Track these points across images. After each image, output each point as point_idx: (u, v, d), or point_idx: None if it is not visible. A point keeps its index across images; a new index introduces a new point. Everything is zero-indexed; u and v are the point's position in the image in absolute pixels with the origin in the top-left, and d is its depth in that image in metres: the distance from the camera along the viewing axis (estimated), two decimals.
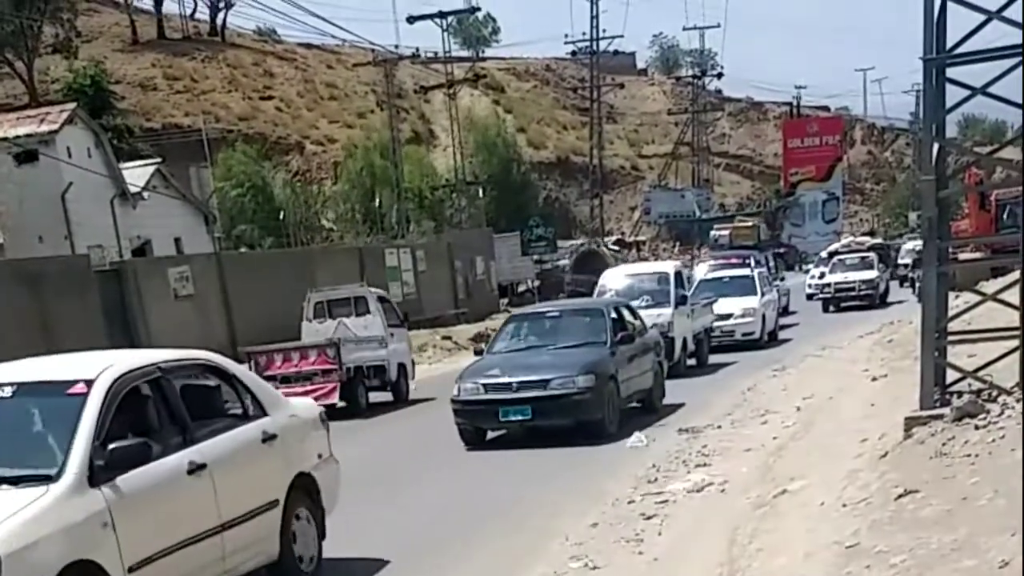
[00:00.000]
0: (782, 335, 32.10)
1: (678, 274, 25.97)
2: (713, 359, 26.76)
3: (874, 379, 17.91)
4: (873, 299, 40.54)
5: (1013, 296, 11.60)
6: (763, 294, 30.75)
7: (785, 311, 38.34)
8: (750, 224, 54.01)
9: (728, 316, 29.18)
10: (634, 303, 22.15)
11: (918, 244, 52.01)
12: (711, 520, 11.03)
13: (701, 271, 36.84)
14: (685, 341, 24.65)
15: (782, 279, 42.11)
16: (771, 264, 41.96)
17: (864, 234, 56.44)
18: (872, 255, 43.31)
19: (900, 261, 51.28)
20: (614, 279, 26.35)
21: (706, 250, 64.02)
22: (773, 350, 28.50)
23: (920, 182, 12.16)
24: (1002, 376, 11.46)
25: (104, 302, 27.89)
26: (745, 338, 29.24)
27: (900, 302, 38.88)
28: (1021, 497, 4.36)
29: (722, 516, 11.05)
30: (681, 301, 24.65)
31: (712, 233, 57.84)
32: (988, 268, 24.55)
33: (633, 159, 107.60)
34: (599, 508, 11.98)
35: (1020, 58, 10.99)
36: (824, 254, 48.07)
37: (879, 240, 49.55)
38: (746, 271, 33.59)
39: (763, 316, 30.12)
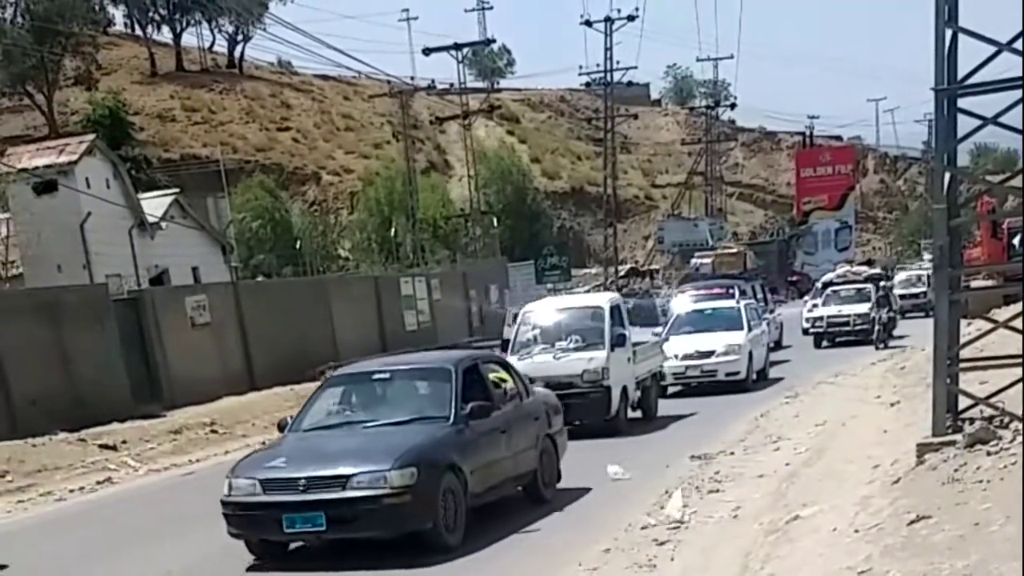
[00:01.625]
0: (774, 372, 29.37)
1: (615, 309, 21.35)
2: (676, 406, 23.63)
3: (889, 405, 17.94)
4: (869, 334, 36.36)
5: None
6: (750, 328, 27.69)
7: (778, 345, 36.10)
8: (735, 251, 49.88)
9: (709, 354, 26.20)
10: (561, 344, 20.32)
11: (912, 273, 51.24)
12: (724, 546, 11.08)
13: (681, 303, 33.71)
14: (625, 390, 20.66)
15: (772, 311, 38.84)
16: (759, 295, 38.50)
17: (862, 263, 51.50)
18: (869, 287, 39.18)
19: (901, 292, 48.00)
20: (539, 313, 22.02)
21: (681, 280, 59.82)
22: (759, 393, 25.30)
23: (932, 210, 12.25)
24: (1014, 403, 11.50)
25: (122, 331, 28.03)
26: (729, 379, 26.06)
27: (902, 336, 35.25)
28: (1022, 501, 4.43)
29: (735, 542, 11.10)
30: (618, 341, 20.46)
31: (693, 261, 53.24)
32: (1000, 295, 24.55)
33: (647, 189, 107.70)
34: (612, 534, 12.03)
35: None
36: (819, 284, 44.93)
37: (878, 270, 45.56)
38: (731, 303, 30.59)
39: (750, 353, 26.81)
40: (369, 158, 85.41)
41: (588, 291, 62.78)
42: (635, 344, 21.70)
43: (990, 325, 12.95)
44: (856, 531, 9.58)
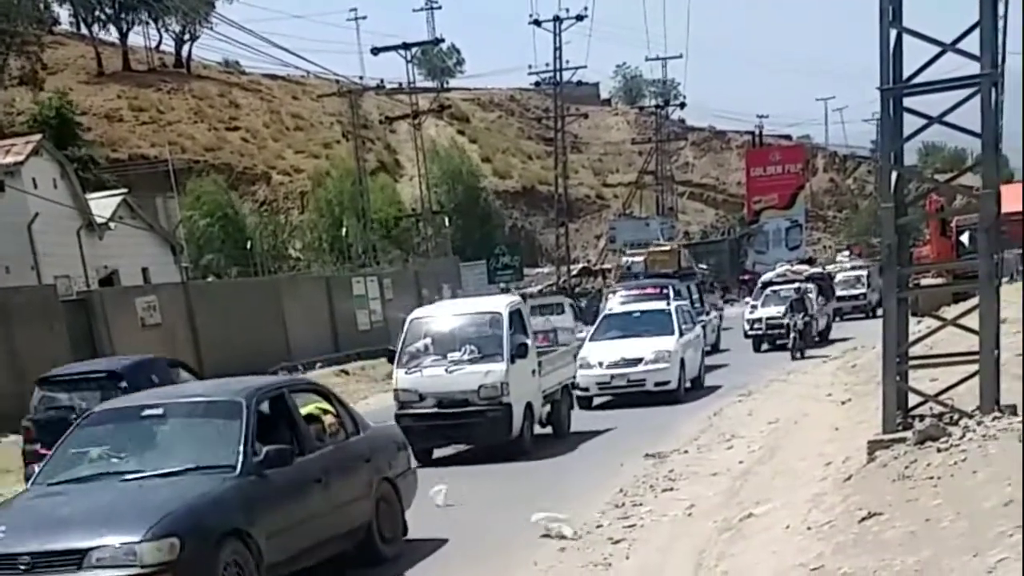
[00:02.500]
0: (711, 379, 27.40)
1: (515, 314, 18.81)
2: (591, 420, 21.67)
3: (840, 403, 18.08)
4: (810, 336, 34.64)
5: (973, 321, 11.79)
6: (682, 333, 25.37)
7: (715, 349, 34.57)
8: (668, 248, 46.33)
9: (637, 361, 23.93)
10: (454, 355, 17.97)
11: (851, 273, 49.90)
12: (678, 544, 11.14)
13: (612, 304, 31.77)
14: (530, 407, 18.50)
15: (708, 312, 36.90)
16: (694, 295, 36.38)
17: (801, 262, 49.81)
18: (810, 286, 37.65)
19: (838, 292, 46.39)
20: (430, 320, 19.19)
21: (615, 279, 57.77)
22: (692, 404, 23.55)
23: (880, 209, 12.37)
24: (963, 400, 11.62)
25: (71, 332, 27.86)
26: (659, 388, 23.84)
27: (845, 339, 34.62)
28: (1022, 502, 4.49)
29: (689, 540, 11.16)
30: (519, 352, 18.06)
31: (624, 259, 48.92)
32: (949, 293, 24.79)
33: (598, 188, 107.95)
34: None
35: (975, 88, 11.25)
36: (759, 284, 42.93)
37: (818, 269, 44.29)
38: (662, 305, 27.81)
39: (682, 360, 24.61)
40: (319, 158, 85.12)
41: (541, 290, 62.98)
42: (542, 353, 19.93)
43: (939, 323, 13.08)
44: (809, 528, 9.66)
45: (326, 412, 11.94)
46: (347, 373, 33.85)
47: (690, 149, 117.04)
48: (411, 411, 17.90)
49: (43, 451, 15.73)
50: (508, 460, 17.60)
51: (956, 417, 11.25)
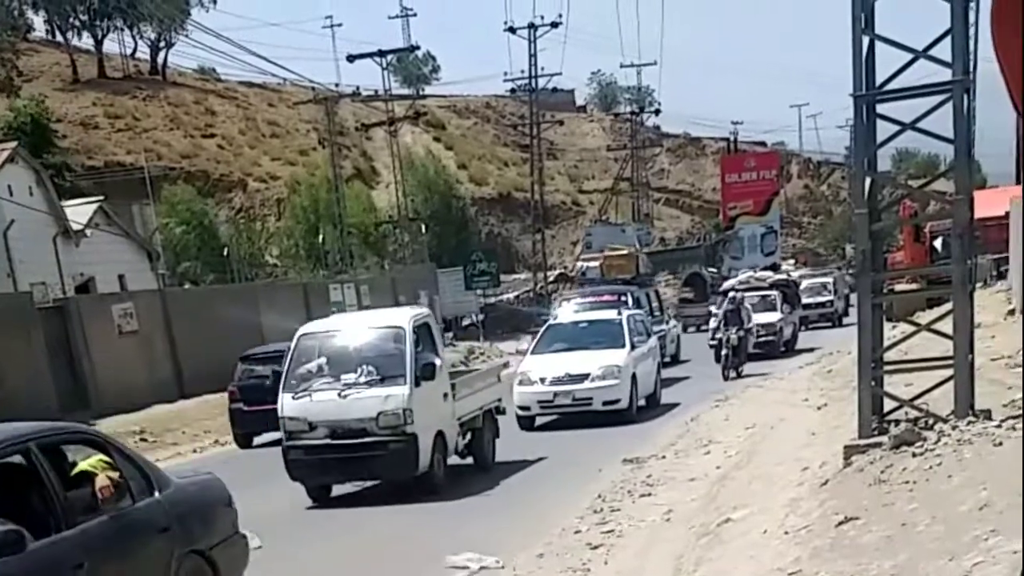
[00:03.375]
0: (669, 395, 25.23)
1: (421, 329, 16.44)
2: (530, 443, 19.81)
3: (816, 408, 18.17)
4: (774, 347, 33.98)
5: (947, 326, 11.89)
6: (634, 346, 23.14)
7: (675, 360, 32.99)
8: (625, 253, 43.29)
9: (583, 377, 21.88)
10: (349, 378, 15.55)
11: (819, 280, 49.75)
12: (656, 549, 11.20)
13: (565, 313, 29.20)
14: (442, 436, 16.11)
15: (667, 321, 35.19)
16: (653, 303, 34.26)
17: (766, 268, 47.46)
18: (775, 293, 36.47)
19: (804, 300, 44.67)
20: (322, 336, 16.70)
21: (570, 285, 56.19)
22: (647, 424, 21.48)
23: (854, 215, 12.46)
24: (938, 404, 11.72)
25: (48, 339, 27.79)
26: (608, 407, 21.73)
27: (812, 349, 33.46)
28: (1021, 502, 4.54)
29: (667, 545, 11.22)
30: (425, 373, 15.72)
31: (578, 264, 45.78)
32: (924, 299, 24.92)
33: (574, 194, 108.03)
34: (545, 538, 12.12)
35: (947, 94, 11.35)
36: (720, 292, 40.53)
37: (783, 276, 42.23)
38: (612, 315, 25.00)
39: (633, 376, 22.43)
40: (295, 165, 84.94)
41: (517, 297, 63.00)
42: (458, 373, 18.23)
43: (914, 328, 13.18)
44: (786, 533, 9.72)
45: (98, 471, 8.49)
46: None
47: (665, 156, 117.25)
48: (300, 442, 15.64)
49: (246, 408, 23.75)
50: (416, 499, 15.41)
51: (931, 422, 11.34)
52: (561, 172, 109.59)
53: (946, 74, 11.41)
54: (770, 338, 34.18)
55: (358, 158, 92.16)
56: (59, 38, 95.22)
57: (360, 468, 15.68)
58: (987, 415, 11.21)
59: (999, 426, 10.68)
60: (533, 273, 72.66)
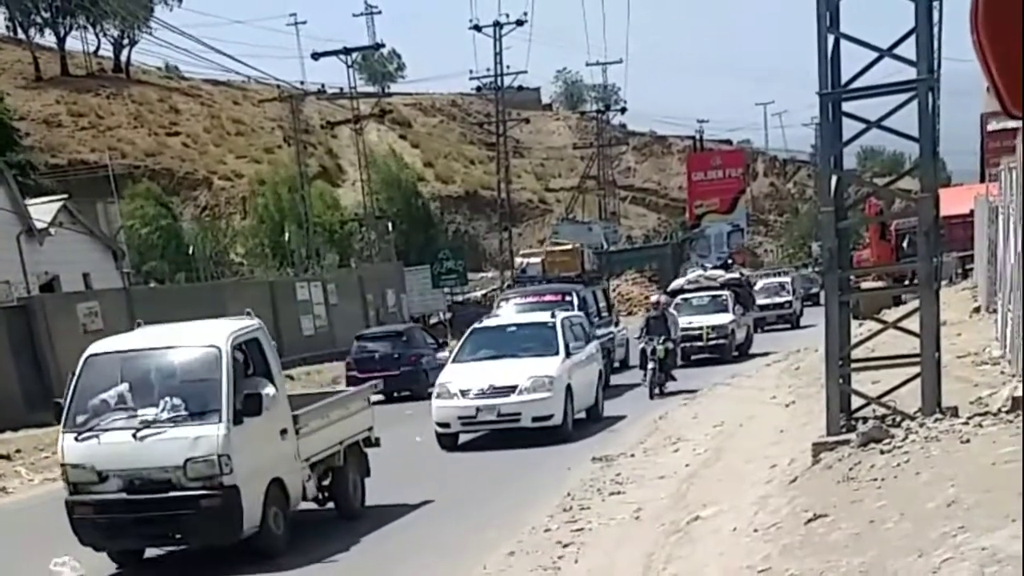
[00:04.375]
0: (613, 407, 22.71)
1: (248, 347, 13.09)
2: (442, 467, 18.02)
3: (785, 405, 18.24)
4: (726, 351, 31.95)
5: (914, 324, 11.96)
6: (569, 353, 20.55)
7: (623, 365, 30.49)
8: (569, 248, 39.77)
9: (509, 390, 19.22)
10: (148, 413, 12.03)
11: (776, 280, 48.12)
12: (626, 546, 11.21)
13: (507, 313, 27.06)
14: (278, 486, 12.62)
15: (616, 323, 32.92)
16: (600, 303, 31.29)
17: (717, 267, 45.10)
18: (726, 294, 34.56)
19: (757, 302, 42.61)
20: (121, 358, 13.04)
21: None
22: (586, 441, 19.15)
23: (820, 213, 12.53)
24: (905, 402, 11.80)
25: (11, 338, 27.65)
26: (539, 424, 19.11)
27: (767, 354, 31.57)
28: (1022, 498, 4.57)
29: (637, 542, 11.24)
30: (249, 407, 12.12)
31: (519, 261, 41.37)
32: (890, 296, 25.07)
33: (540, 192, 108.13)
34: (516, 537, 12.12)
35: (912, 93, 11.43)
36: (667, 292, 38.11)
37: (736, 275, 39.90)
38: (545, 318, 22.09)
39: (568, 388, 19.80)
40: (261, 163, 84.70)
41: (484, 295, 62.88)
42: (304, 399, 14.88)
43: (881, 326, 13.25)
44: (755, 530, 9.76)
45: None
46: (292, 379, 33.55)
47: (632, 154, 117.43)
48: (88, 497, 12.14)
49: (359, 375, 26.85)
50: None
51: (899, 419, 11.41)
52: (528, 170, 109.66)
53: (911, 72, 11.49)
54: (721, 341, 32.10)
55: (323, 156, 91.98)
56: (21, 35, 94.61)
57: (165, 531, 12.17)
58: (954, 412, 11.29)
59: (966, 423, 10.76)
60: (500, 271, 72.67)
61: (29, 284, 39.59)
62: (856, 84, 12.06)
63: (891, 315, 16.82)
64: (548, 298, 28.23)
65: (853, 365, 12.42)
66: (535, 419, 19.11)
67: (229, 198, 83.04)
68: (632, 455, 16.80)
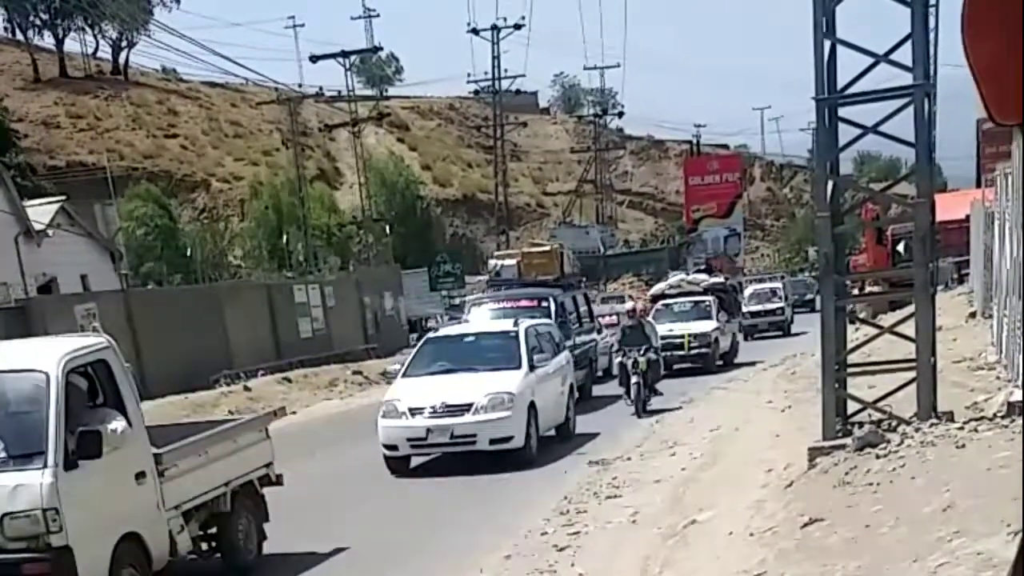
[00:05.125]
0: (591, 423, 21.04)
1: (93, 371, 10.62)
2: (389, 495, 16.13)
3: (781, 410, 18.27)
4: (709, 360, 30.26)
5: (910, 328, 12.00)
6: (534, 366, 18.44)
7: (607, 375, 28.46)
8: (547, 249, 36.91)
9: (464, 408, 17.06)
10: None
11: (768, 286, 47.11)
12: (622, 550, 11.23)
13: (476, 319, 24.75)
14: (135, 543, 10.19)
15: (599, 330, 30.59)
16: (581, 308, 28.74)
17: (700, 271, 42.81)
18: (710, 299, 32.78)
19: (746, 308, 42.36)
20: None
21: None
22: (552, 466, 17.18)
23: (817, 218, 12.57)
24: (901, 406, 11.82)
25: (9, 339, 27.57)
26: (497, 446, 16.97)
27: (754, 363, 30.56)
28: (1022, 500, 4.62)
29: (633, 546, 11.26)
30: (89, 448, 9.68)
31: (492, 263, 39.65)
32: (886, 301, 25.10)
33: (538, 196, 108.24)
34: (512, 540, 12.14)
35: (909, 98, 11.47)
36: (648, 297, 37.01)
37: (720, 279, 37.91)
38: (507, 326, 19.99)
39: (532, 405, 17.69)
40: (259, 165, 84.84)
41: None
42: (177, 433, 12.25)
43: (877, 330, 13.29)
44: (751, 535, 9.79)
45: None
46: (290, 381, 33.70)
47: (629, 158, 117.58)
48: None
49: None
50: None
51: (894, 424, 11.44)
52: (525, 174, 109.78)
53: (907, 78, 11.52)
54: (704, 350, 30.34)
55: (321, 159, 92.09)
56: (20, 37, 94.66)
57: None
58: (950, 417, 11.32)
59: (962, 428, 10.79)
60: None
61: (27, 285, 39.63)
62: (852, 89, 12.08)
63: (887, 320, 16.86)
64: (523, 303, 26.30)
65: (849, 370, 12.44)
66: (493, 441, 16.93)
67: (227, 200, 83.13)
68: (629, 459, 16.82)
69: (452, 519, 13.80)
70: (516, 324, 19.59)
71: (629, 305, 26.50)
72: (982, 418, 11.11)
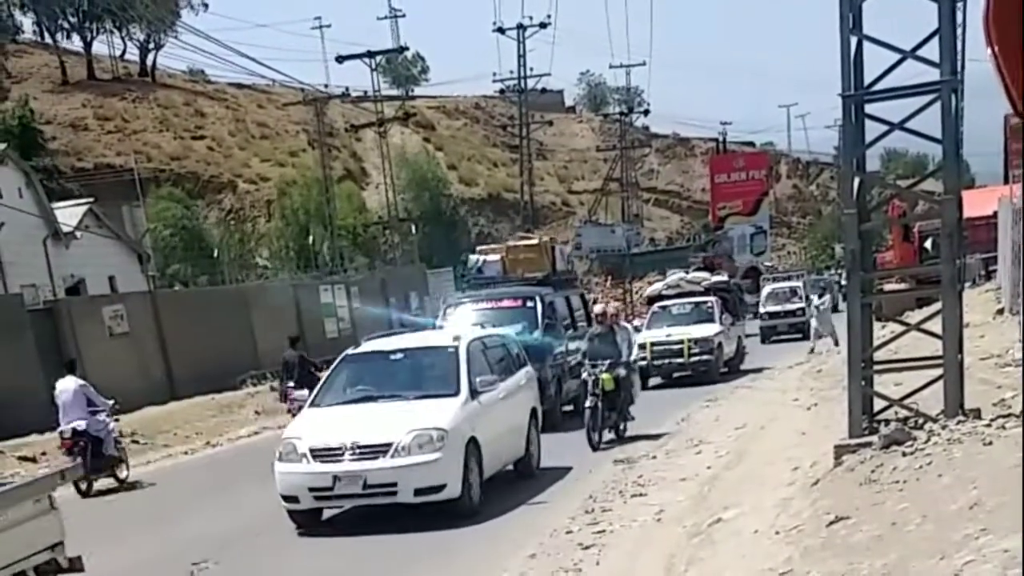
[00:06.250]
0: (564, 451, 17.50)
1: None
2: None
3: (807, 408, 18.20)
4: (712, 368, 27.48)
5: (937, 325, 11.93)
6: (476, 392, 14.56)
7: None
8: (534, 243, 32.61)
9: (381, 450, 13.34)
10: None
11: (786, 285, 43.77)
12: (648, 549, 11.21)
13: (454, 324, 21.14)
14: None
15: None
16: (577, 312, 24.89)
17: (700, 269, 39.31)
18: (712, 300, 29.86)
19: (764, 310, 40.63)
20: None
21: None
22: (497, 521, 13.60)
23: (843, 215, 12.50)
24: (928, 404, 11.76)
25: (38, 341, 27.77)
26: (424, 498, 13.31)
27: (761, 370, 28.71)
28: (1022, 502, 4.57)
29: (658, 545, 11.23)
30: None
31: (472, 258, 34.39)
32: (913, 298, 25.00)
33: (563, 195, 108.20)
34: (537, 539, 12.13)
35: (935, 94, 11.40)
36: (645, 298, 34.31)
37: (723, 277, 34.95)
38: (444, 341, 15.79)
39: (472, 443, 13.85)
40: (285, 166, 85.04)
41: None
42: None
43: (903, 327, 13.22)
44: (777, 532, 9.74)
45: None
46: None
47: (655, 156, 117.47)
48: None
49: None
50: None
51: (921, 421, 11.37)
52: (551, 173, 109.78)
53: (934, 74, 11.45)
54: (706, 357, 27.43)
55: (348, 159, 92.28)
56: (48, 40, 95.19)
57: None
58: (977, 414, 11.25)
59: (989, 425, 10.72)
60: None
61: (55, 287, 39.98)
62: (879, 86, 12.01)
63: (914, 317, 16.77)
64: (505, 304, 23.20)
65: (875, 367, 12.37)
66: (419, 491, 13.25)
67: (254, 201, 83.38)
68: (654, 457, 16.80)
69: (477, 518, 13.75)
70: (457, 338, 15.59)
71: (598, 308, 20.85)
72: (1009, 415, 11.04)
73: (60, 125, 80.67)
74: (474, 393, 14.59)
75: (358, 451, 13.38)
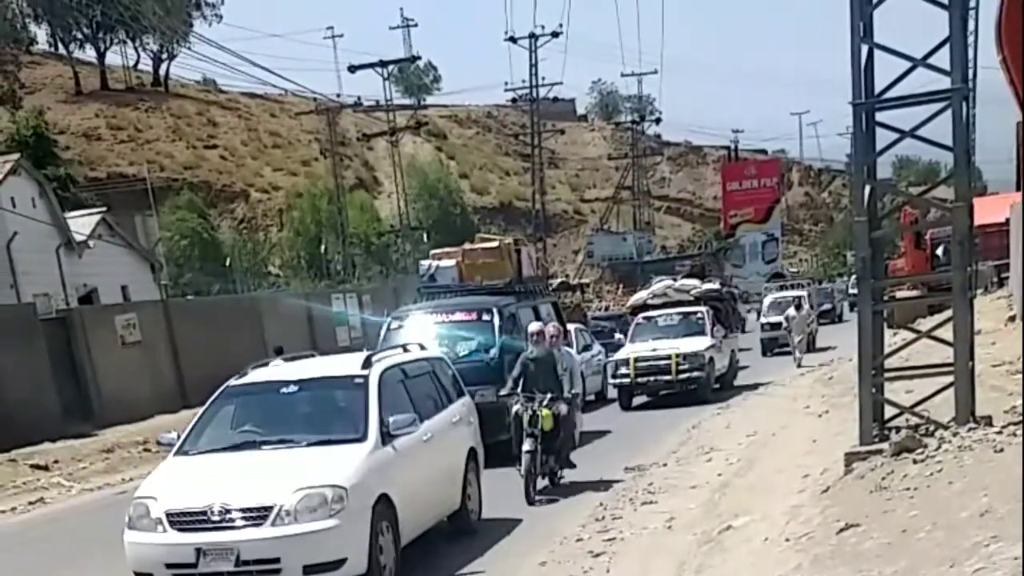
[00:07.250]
0: (511, 494, 14.65)
1: None
2: None
3: (818, 415, 18.17)
4: (703, 385, 24.85)
5: (948, 333, 11.91)
6: (389, 436, 11.24)
7: (600, 398, 25.67)
8: (494, 246, 29.98)
9: (260, 515, 10.11)
10: None
11: (785, 295, 41.28)
12: (658, 556, 11.20)
13: (399, 340, 16.97)
14: None
15: (591, 346, 26.51)
16: (520, 324, 19.81)
17: (689, 275, 35.92)
18: (703, 310, 27.46)
19: (764, 320, 38.33)
20: None
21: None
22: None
23: (854, 222, 12.49)
24: (939, 411, 11.74)
25: (51, 350, 27.82)
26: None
27: (756, 386, 26.77)
28: (1022, 507, 4.60)
29: (669, 552, 11.22)
30: None
31: (424, 263, 31.46)
32: (925, 305, 24.94)
33: (575, 203, 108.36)
34: (548, 547, 12.13)
35: (946, 102, 11.40)
36: (627, 308, 31.98)
37: (715, 285, 32.39)
38: (353, 369, 11.98)
39: (383, 500, 10.69)
40: (297, 175, 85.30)
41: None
42: None
43: (914, 335, 13.20)
44: (787, 540, 9.72)
45: None
46: None
47: (666, 164, 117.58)
48: None
49: None
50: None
51: (932, 428, 11.35)
52: (562, 181, 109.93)
53: (945, 82, 11.45)
54: (696, 374, 24.86)
55: (360, 168, 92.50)
56: (62, 50, 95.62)
57: None
58: (988, 421, 11.23)
59: (1000, 432, 10.69)
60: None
61: (68, 296, 40.07)
62: (890, 94, 12.02)
63: (925, 324, 16.74)
64: (458, 316, 20.16)
65: (886, 374, 12.36)
66: (309, 568, 10.08)
67: (266, 210, 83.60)
68: (664, 464, 16.78)
69: (487, 525, 13.75)
70: (368, 365, 12.03)
71: (534, 326, 16.83)
72: (1020, 423, 11.02)
73: (73, 135, 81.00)
74: (386, 437, 11.29)
75: (228, 516, 10.16)
